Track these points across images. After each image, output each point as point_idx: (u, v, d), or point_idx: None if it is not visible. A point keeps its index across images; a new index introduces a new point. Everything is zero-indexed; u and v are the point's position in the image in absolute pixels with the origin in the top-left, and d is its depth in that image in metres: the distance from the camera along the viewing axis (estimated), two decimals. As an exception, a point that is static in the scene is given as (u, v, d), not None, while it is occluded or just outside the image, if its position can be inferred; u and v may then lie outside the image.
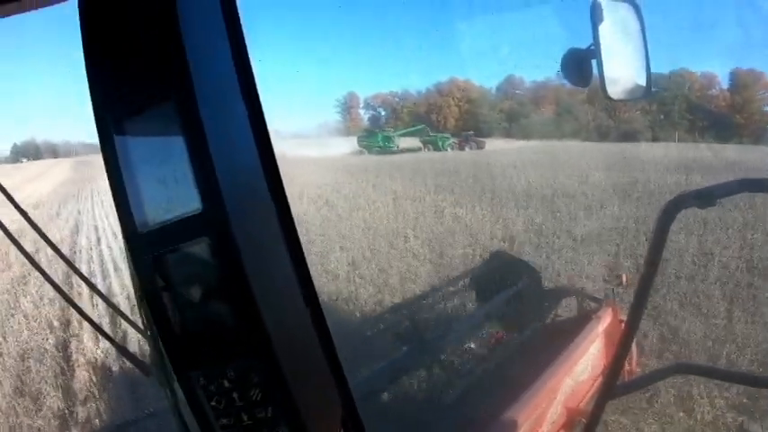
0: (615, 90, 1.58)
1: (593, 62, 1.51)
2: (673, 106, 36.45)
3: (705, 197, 1.12)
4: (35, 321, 6.90)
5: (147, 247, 0.69)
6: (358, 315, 6.27)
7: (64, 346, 6.21)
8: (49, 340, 6.36)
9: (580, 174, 16.11)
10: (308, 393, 0.74)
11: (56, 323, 6.73)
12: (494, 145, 33.54)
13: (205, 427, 0.73)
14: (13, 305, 7.51)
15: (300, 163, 23.47)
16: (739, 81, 35.74)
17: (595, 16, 1.54)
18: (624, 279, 4.11)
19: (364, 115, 46.90)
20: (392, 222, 11.15)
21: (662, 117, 37.40)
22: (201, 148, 0.64)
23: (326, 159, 27.04)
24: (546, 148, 27.35)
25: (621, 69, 1.63)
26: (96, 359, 5.75)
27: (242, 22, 0.71)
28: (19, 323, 6.90)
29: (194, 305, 0.68)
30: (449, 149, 34.07)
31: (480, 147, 33.83)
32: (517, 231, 9.80)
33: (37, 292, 7.73)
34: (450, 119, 40.78)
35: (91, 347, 5.97)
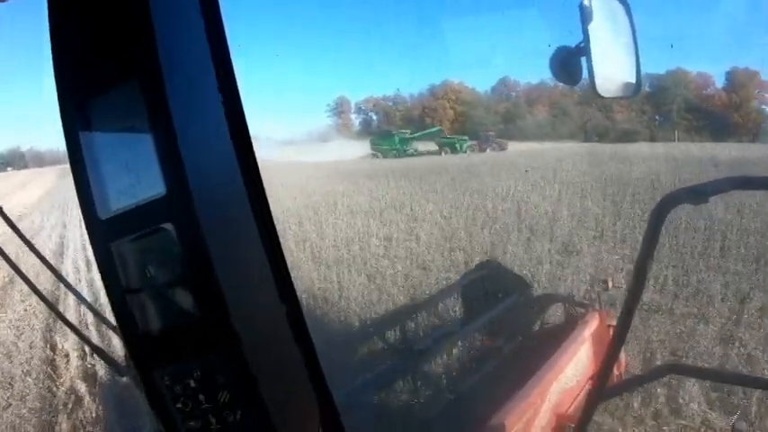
0: (605, 87, 1.60)
1: (583, 60, 1.53)
2: (672, 106, 36.81)
3: (697, 194, 1.12)
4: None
5: (107, 234, 0.65)
6: (346, 321, 6.29)
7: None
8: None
9: (575, 173, 16.08)
10: (282, 396, 0.70)
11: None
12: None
13: (171, 430, 0.69)
14: None
15: (301, 169, 22.91)
16: (736, 80, 36.17)
17: (584, 14, 1.56)
18: (610, 283, 4.13)
19: (355, 120, 46.78)
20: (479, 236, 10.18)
21: (658, 117, 37.77)
22: (166, 127, 0.61)
23: (337, 165, 26.04)
24: (548, 151, 27.20)
25: (611, 67, 1.65)
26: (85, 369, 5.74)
27: (220, 7, 0.69)
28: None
29: (157, 297, 0.65)
30: (467, 152, 33.06)
31: (503, 148, 33.02)
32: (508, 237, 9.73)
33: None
34: (445, 122, 40.58)
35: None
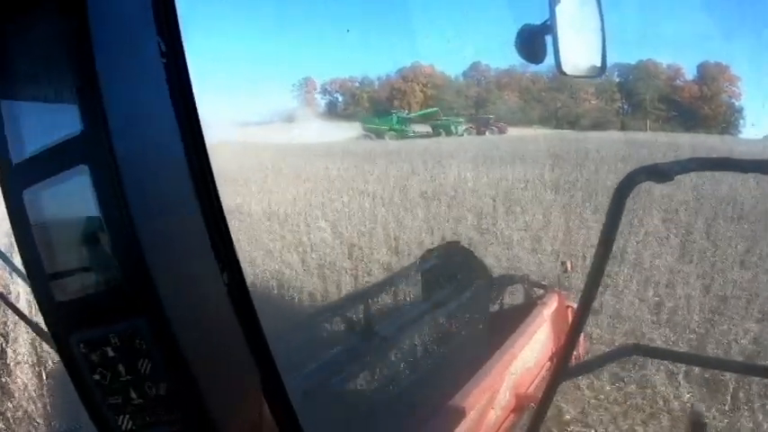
0: (570, 66, 1.63)
1: (548, 38, 1.55)
2: (644, 96, 37.52)
3: (661, 173, 1.12)
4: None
5: (19, 181, 0.57)
6: (304, 304, 6.30)
7: None
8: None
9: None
10: (216, 372, 0.62)
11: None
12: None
13: (90, 406, 0.61)
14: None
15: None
16: (707, 73, 37.02)
17: (553, -6, 1.58)
18: (569, 266, 4.22)
19: (321, 101, 45.72)
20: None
21: (629, 107, 38.53)
22: (87, 57, 0.53)
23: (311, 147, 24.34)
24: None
25: (577, 47, 1.68)
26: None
27: None
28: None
29: (70, 251, 0.57)
30: (464, 135, 32.21)
31: (502, 132, 32.62)
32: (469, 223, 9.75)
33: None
34: (414, 105, 40.27)
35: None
